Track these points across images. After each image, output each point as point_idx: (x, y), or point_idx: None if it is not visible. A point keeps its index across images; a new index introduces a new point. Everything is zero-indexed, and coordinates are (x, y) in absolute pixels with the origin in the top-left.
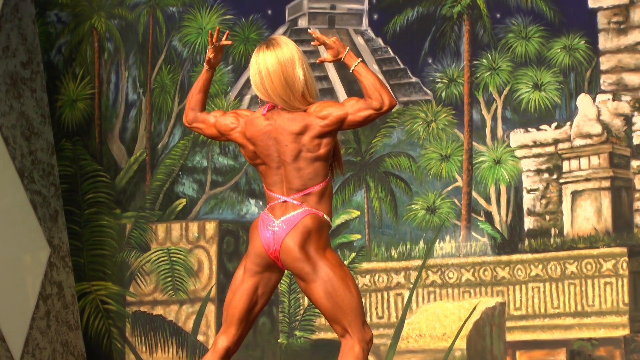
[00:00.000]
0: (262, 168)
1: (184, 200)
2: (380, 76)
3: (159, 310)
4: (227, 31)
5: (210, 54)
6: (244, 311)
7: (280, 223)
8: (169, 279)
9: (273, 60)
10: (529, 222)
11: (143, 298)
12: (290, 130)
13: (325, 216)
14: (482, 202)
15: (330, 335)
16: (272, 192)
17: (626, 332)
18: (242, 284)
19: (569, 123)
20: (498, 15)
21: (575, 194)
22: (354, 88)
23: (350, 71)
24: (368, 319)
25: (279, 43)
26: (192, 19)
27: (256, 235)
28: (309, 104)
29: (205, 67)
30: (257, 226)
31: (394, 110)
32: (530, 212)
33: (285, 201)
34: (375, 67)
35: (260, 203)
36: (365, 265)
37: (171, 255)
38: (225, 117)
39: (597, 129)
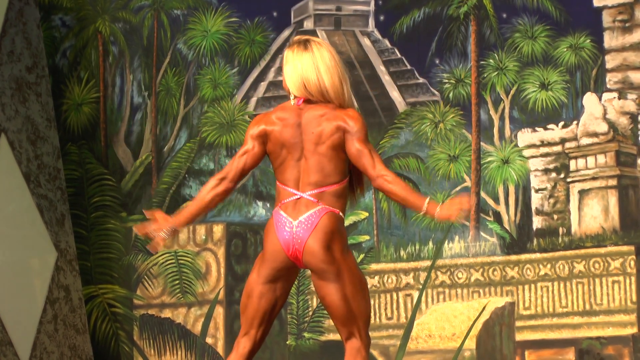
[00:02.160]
0: (281, 160)
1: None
2: (387, 77)
3: (167, 313)
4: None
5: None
6: (264, 313)
7: (298, 223)
8: (177, 281)
9: (329, 57)
10: (537, 222)
11: (151, 301)
12: (317, 114)
13: (341, 214)
14: (490, 202)
15: (339, 336)
16: (287, 187)
17: (634, 330)
18: (258, 286)
19: (575, 122)
20: (504, 15)
21: (582, 193)
22: (360, 89)
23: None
24: (377, 320)
25: (315, 43)
26: (197, 21)
27: (273, 237)
28: (346, 104)
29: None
30: (272, 227)
31: (401, 111)
32: (539, 212)
33: (299, 198)
34: (383, 68)
35: (268, 205)
36: (374, 266)
37: (179, 258)
38: (255, 132)
39: (603, 127)
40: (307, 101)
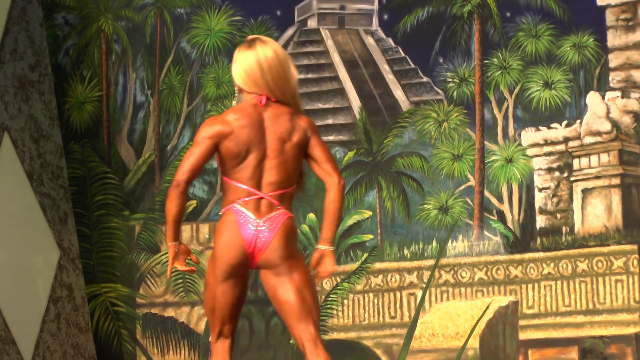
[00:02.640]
0: (239, 160)
1: (194, 201)
2: (391, 76)
3: (170, 312)
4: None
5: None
6: (232, 308)
7: (263, 222)
8: (180, 280)
9: (273, 54)
10: (540, 221)
11: (154, 300)
12: (284, 122)
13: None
14: (494, 201)
15: (343, 335)
16: (245, 185)
17: (637, 329)
18: (219, 286)
19: (578, 121)
20: (508, 14)
21: (585, 192)
22: (364, 88)
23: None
24: (381, 319)
25: (272, 41)
26: (201, 20)
27: (233, 232)
28: (297, 107)
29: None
30: (231, 224)
31: (405, 110)
32: (542, 211)
33: (261, 198)
34: (386, 67)
35: None
36: (377, 265)
37: None
38: (208, 134)
39: (606, 126)
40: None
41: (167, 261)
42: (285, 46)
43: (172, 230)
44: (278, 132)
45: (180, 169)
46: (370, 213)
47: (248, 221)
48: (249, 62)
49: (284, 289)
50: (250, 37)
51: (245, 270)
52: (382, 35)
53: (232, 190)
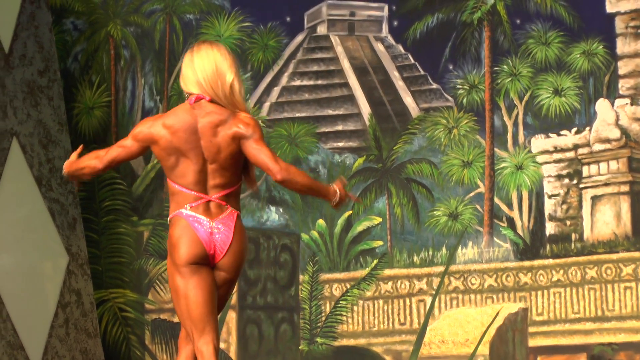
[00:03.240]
0: (175, 164)
1: None
2: (401, 83)
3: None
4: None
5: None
6: (210, 304)
7: (216, 223)
8: None
9: (205, 54)
10: (550, 228)
11: (163, 305)
12: (214, 122)
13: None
14: (504, 207)
15: (353, 341)
16: (192, 190)
17: None
18: (187, 282)
19: (588, 128)
20: (518, 21)
21: (594, 199)
22: (374, 95)
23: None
24: (390, 326)
25: (216, 43)
26: (210, 26)
27: (190, 235)
28: (239, 107)
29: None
30: (186, 228)
31: (415, 116)
32: (552, 218)
33: (208, 201)
34: (396, 74)
35: (281, 210)
36: (387, 272)
37: None
38: (139, 134)
39: (615, 133)
40: (197, 102)
41: None
42: (294, 52)
43: (76, 161)
44: (210, 134)
45: (109, 153)
46: (380, 219)
47: (202, 223)
48: (185, 63)
49: (225, 291)
50: (198, 41)
51: (208, 268)
52: (392, 41)
53: (179, 195)
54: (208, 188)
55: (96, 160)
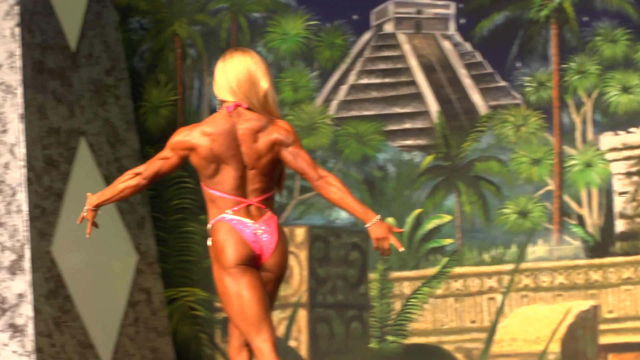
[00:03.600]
0: (214, 171)
1: None
2: (468, 80)
3: None
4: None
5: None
6: (264, 302)
7: (259, 225)
8: None
9: (239, 62)
10: (620, 225)
11: None
12: (253, 129)
13: None
14: (573, 205)
15: (423, 339)
16: (232, 196)
17: None
18: (240, 285)
19: None
20: (585, 19)
21: None
22: (442, 92)
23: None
24: (461, 323)
25: (249, 51)
26: (276, 24)
27: (235, 237)
28: (273, 114)
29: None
30: (231, 229)
31: (482, 114)
32: (622, 215)
33: (249, 205)
34: (464, 71)
35: None
36: (457, 270)
37: None
38: (178, 144)
39: None
40: (235, 110)
41: None
42: (362, 50)
43: (104, 193)
44: (250, 140)
45: (149, 168)
46: (450, 217)
47: (246, 225)
48: (219, 71)
49: (273, 286)
50: (231, 49)
51: (255, 269)
52: (459, 39)
53: (219, 201)
54: (247, 193)
55: (137, 178)
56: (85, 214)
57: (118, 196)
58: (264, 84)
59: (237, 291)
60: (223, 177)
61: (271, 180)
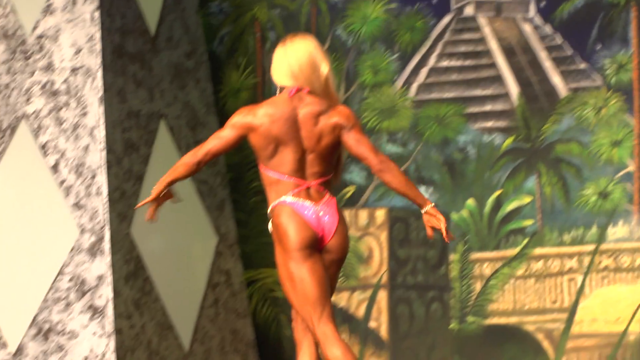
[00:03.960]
0: (273, 153)
1: (353, 187)
2: (548, 63)
3: None
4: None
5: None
6: (326, 286)
7: (321, 207)
8: None
9: (299, 47)
10: None
11: None
12: (314, 112)
13: None
14: None
15: (504, 320)
16: (292, 177)
17: None
18: (303, 268)
19: None
20: None
21: None
22: (522, 75)
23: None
24: (541, 304)
25: (304, 36)
26: (356, 8)
27: (297, 220)
28: (333, 99)
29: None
30: (293, 212)
31: (563, 96)
32: None
33: (308, 187)
34: (544, 54)
35: (431, 190)
36: (538, 251)
37: None
38: (238, 123)
39: None
40: (297, 93)
41: None
42: (441, 34)
43: (168, 181)
44: (311, 124)
45: (204, 147)
46: (530, 198)
47: (306, 207)
48: (279, 56)
49: (332, 277)
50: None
51: (317, 252)
52: (539, 22)
53: (278, 184)
54: (307, 175)
55: (190, 156)
56: (148, 199)
57: (176, 178)
58: (325, 68)
59: (300, 275)
60: (282, 159)
61: (330, 164)
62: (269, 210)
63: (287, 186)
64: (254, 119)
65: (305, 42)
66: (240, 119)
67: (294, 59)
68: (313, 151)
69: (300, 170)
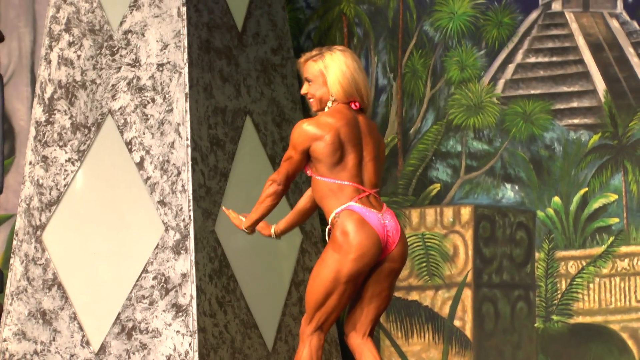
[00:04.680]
0: (345, 160)
1: (438, 185)
2: (636, 59)
3: (414, 296)
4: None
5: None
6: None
7: (383, 215)
8: (424, 264)
9: (358, 63)
10: None
11: (397, 284)
12: (373, 127)
13: None
14: None
15: (589, 319)
16: (356, 184)
17: None
18: (345, 285)
19: None
20: None
21: None
22: (609, 71)
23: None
24: (627, 303)
25: (347, 49)
26: (444, 3)
27: (368, 227)
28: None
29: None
30: (362, 220)
31: None
32: None
33: (369, 195)
34: (631, 50)
35: (516, 187)
36: (623, 249)
37: (425, 240)
38: (301, 141)
39: None
40: (359, 109)
41: (410, 245)
42: (529, 29)
43: (258, 219)
44: (370, 135)
45: (282, 173)
46: (616, 196)
47: (372, 215)
48: (341, 69)
49: (390, 289)
50: (331, 47)
51: (376, 265)
52: (627, 18)
53: (341, 190)
54: (365, 183)
55: (279, 193)
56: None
57: (267, 210)
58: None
59: (345, 286)
60: (347, 165)
61: (380, 176)
62: (332, 215)
63: (350, 192)
64: (318, 129)
65: (356, 58)
66: (304, 136)
67: (360, 75)
68: (370, 161)
69: (359, 176)
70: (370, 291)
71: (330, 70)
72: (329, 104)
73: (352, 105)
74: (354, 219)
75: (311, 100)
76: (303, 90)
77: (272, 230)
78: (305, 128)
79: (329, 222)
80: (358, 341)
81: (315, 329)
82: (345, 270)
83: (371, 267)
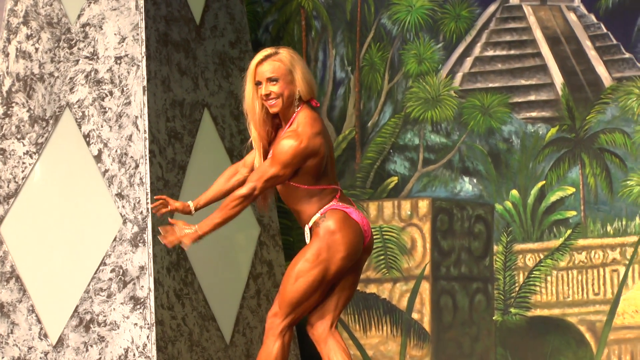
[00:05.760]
0: (326, 167)
1: (396, 178)
2: (593, 52)
3: (372, 289)
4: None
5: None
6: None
7: (355, 209)
8: (382, 257)
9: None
10: None
11: None
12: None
13: None
14: None
15: (547, 312)
16: (334, 185)
17: None
18: (325, 283)
19: None
20: None
21: None
22: (566, 65)
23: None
24: (584, 296)
25: None
26: None
27: (355, 225)
28: None
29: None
30: (348, 217)
31: (607, 86)
32: None
33: (341, 192)
34: (589, 43)
35: (475, 181)
36: (581, 242)
37: (383, 233)
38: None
39: None
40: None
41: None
42: (487, 23)
43: (220, 224)
44: (330, 141)
45: (265, 186)
46: (574, 189)
47: (353, 211)
48: (306, 69)
49: (355, 282)
50: (283, 47)
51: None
52: (584, 11)
53: (321, 194)
54: (335, 182)
55: (252, 195)
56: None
57: (230, 213)
58: None
59: (328, 285)
60: (327, 170)
61: None
62: (316, 216)
63: (329, 193)
64: (312, 147)
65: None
66: (297, 154)
67: (308, 74)
68: (331, 158)
69: (334, 177)
70: (343, 283)
71: (297, 68)
72: (296, 102)
73: (313, 103)
74: (341, 218)
75: (274, 100)
76: (265, 91)
77: (192, 207)
78: (302, 148)
79: (310, 222)
80: (323, 332)
81: (289, 325)
82: (334, 268)
83: (356, 260)
